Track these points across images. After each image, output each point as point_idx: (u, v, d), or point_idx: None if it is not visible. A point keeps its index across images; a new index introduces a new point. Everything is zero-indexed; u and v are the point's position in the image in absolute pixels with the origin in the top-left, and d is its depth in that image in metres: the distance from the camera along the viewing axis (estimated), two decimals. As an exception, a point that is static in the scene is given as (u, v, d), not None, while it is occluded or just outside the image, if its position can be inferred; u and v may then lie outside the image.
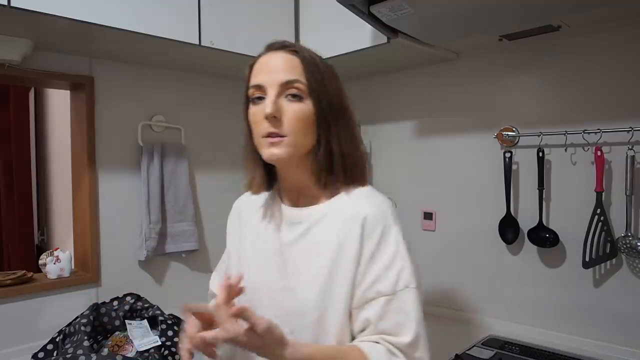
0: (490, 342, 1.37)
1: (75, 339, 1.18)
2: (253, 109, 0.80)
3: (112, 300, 1.40)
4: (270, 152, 0.77)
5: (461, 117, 1.60)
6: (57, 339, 1.24)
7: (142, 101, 1.64)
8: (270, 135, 0.76)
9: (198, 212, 1.79)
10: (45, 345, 1.23)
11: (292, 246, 0.82)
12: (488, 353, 1.29)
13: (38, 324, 1.40)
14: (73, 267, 1.51)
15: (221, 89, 1.84)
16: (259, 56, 0.82)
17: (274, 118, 0.76)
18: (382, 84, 1.83)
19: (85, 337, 1.15)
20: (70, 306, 1.46)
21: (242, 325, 0.65)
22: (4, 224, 2.48)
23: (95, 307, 1.32)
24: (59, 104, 2.13)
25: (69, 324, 1.28)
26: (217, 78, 1.83)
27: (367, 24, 1.30)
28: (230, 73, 1.77)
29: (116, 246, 1.57)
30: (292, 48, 0.80)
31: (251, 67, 0.82)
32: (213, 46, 1.41)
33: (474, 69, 1.56)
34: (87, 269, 1.53)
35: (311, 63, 0.79)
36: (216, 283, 1.02)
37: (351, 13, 1.25)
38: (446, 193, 1.65)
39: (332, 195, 0.83)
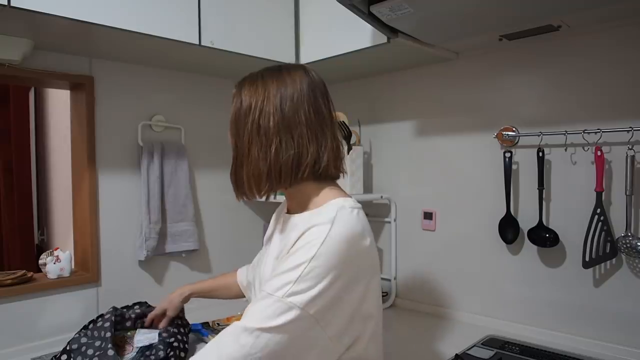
0: (490, 342, 1.37)
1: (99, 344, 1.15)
2: None
3: (122, 308, 1.38)
4: None
5: (461, 117, 1.60)
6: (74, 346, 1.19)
7: (142, 101, 1.64)
8: None
9: (198, 212, 1.79)
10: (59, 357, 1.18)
11: (274, 242, 0.98)
12: (488, 353, 1.29)
13: (38, 324, 1.40)
14: (73, 267, 1.51)
15: (221, 89, 1.84)
16: None
17: None
18: (382, 84, 1.83)
19: (109, 346, 1.12)
20: (70, 306, 1.47)
21: None
22: (4, 223, 2.48)
23: (120, 313, 1.30)
24: (59, 104, 2.13)
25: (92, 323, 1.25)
26: (217, 78, 1.83)
27: (367, 24, 1.30)
28: (230, 73, 1.77)
29: (116, 246, 1.57)
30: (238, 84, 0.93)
31: None
32: (213, 46, 1.41)
33: (474, 68, 1.56)
34: (87, 269, 1.53)
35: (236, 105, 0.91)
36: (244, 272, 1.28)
37: (351, 13, 1.25)
38: (446, 193, 1.65)
39: (306, 208, 0.92)
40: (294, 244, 0.81)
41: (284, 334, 0.74)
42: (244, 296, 1.27)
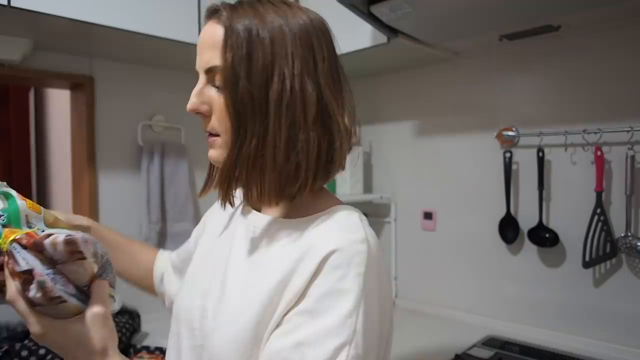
0: (490, 342, 1.37)
1: None
2: None
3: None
4: (209, 154, 0.65)
5: (461, 117, 1.60)
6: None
7: (142, 101, 1.64)
8: (207, 133, 0.64)
9: (198, 212, 1.79)
10: None
11: (241, 259, 0.65)
12: (488, 353, 1.29)
13: (38, 324, 1.40)
14: (73, 267, 1.51)
15: (221, 89, 1.84)
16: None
17: (199, 114, 0.62)
18: (382, 84, 1.83)
19: None
20: (70, 306, 1.46)
21: None
22: (4, 223, 2.47)
23: None
24: (59, 104, 2.13)
25: None
26: (217, 78, 1.83)
27: (367, 24, 1.30)
28: (230, 73, 1.77)
29: (116, 246, 1.57)
30: (218, 13, 0.59)
31: None
32: (213, 46, 1.41)
33: (474, 69, 1.56)
34: (87, 269, 1.53)
35: (236, 35, 0.56)
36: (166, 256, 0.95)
37: (351, 13, 1.25)
38: (446, 193, 1.65)
39: (304, 210, 0.64)
40: (313, 274, 0.55)
41: None
42: (153, 290, 0.93)
